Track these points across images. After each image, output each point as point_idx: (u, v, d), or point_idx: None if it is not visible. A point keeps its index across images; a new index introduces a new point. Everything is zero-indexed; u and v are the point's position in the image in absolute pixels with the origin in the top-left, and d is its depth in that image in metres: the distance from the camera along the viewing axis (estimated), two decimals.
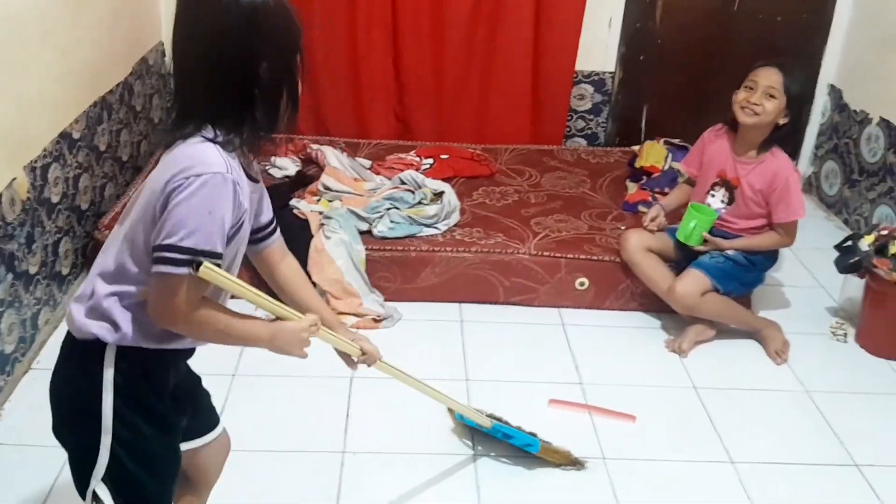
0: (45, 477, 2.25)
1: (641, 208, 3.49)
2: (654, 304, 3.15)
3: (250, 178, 1.47)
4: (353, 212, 3.26)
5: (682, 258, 3.06)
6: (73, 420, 1.53)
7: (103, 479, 1.52)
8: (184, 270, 1.34)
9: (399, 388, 2.69)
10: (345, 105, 4.23)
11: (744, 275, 3.01)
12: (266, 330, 1.50)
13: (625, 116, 4.35)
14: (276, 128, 1.45)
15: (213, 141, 1.39)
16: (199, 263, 1.34)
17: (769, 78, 2.80)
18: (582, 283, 3.18)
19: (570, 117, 4.33)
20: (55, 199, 2.86)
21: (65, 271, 2.99)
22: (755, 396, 2.79)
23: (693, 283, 2.93)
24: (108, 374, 1.46)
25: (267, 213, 1.63)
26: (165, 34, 4.07)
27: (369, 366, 1.80)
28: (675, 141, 3.90)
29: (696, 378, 2.86)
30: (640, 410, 2.66)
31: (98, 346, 1.46)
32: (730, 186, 2.97)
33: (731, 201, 2.98)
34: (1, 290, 2.50)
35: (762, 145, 2.90)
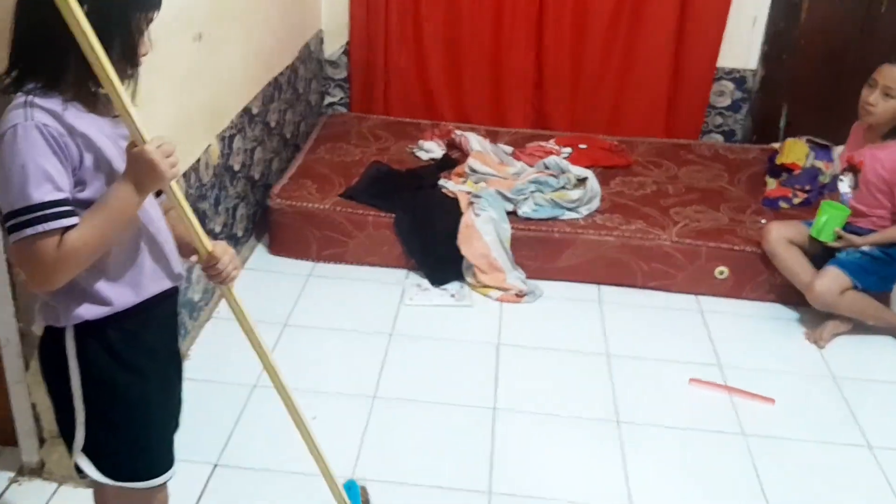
0: (231, 409, 2.52)
1: (783, 204, 3.53)
2: (792, 297, 3.20)
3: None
4: (499, 192, 3.44)
5: (821, 253, 3.10)
6: (54, 400, 1.56)
7: (84, 451, 1.55)
8: (29, 231, 1.30)
9: (545, 356, 2.88)
10: (485, 93, 4.41)
11: (883, 269, 3.02)
12: (122, 187, 1.37)
13: (764, 114, 4.37)
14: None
15: (25, 92, 1.34)
16: None
17: (888, 76, 2.83)
18: (721, 272, 3.26)
19: (707, 113, 4.39)
20: (236, 168, 3.16)
21: (239, 234, 3.29)
22: (894, 388, 2.83)
23: (832, 281, 2.97)
24: (72, 358, 1.48)
25: None
26: (325, 23, 4.35)
27: (214, 280, 1.58)
28: (818, 140, 3.91)
29: (835, 368, 2.91)
30: (779, 395, 2.74)
31: (55, 331, 1.48)
32: (855, 170, 3.00)
33: (856, 185, 3.01)
34: None
35: (890, 132, 2.93)
